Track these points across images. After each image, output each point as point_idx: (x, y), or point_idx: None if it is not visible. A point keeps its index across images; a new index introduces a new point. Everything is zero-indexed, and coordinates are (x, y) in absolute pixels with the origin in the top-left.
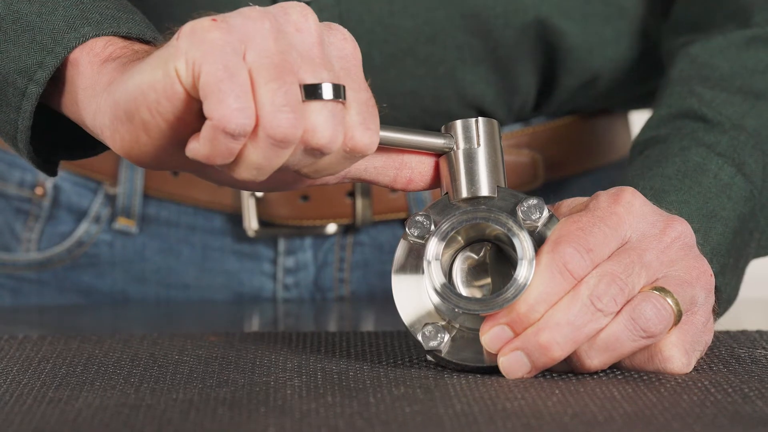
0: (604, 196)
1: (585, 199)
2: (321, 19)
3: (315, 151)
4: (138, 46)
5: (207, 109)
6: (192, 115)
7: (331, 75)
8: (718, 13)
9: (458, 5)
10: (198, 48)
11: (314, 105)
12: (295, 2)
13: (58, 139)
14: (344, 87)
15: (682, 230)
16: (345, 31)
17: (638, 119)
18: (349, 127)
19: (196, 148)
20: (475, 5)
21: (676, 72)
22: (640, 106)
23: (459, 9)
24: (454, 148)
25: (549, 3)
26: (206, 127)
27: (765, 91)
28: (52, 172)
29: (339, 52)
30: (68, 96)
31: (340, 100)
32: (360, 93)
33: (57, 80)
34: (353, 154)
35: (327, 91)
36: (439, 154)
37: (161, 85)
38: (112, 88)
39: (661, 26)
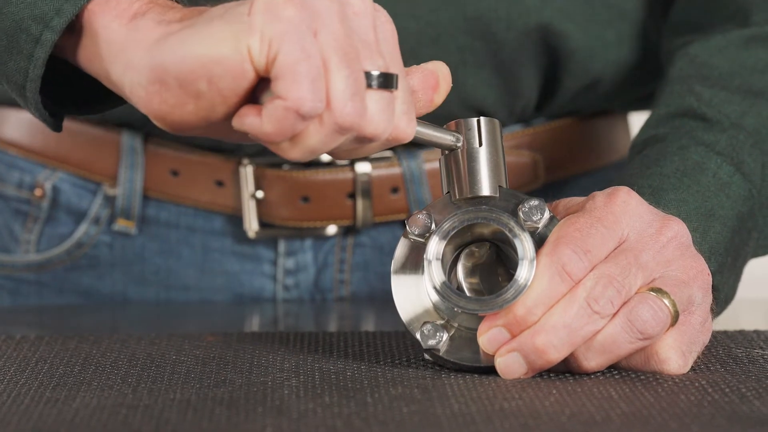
0: (600, 196)
1: (581, 199)
2: None
3: (365, 139)
4: (161, 0)
5: (281, 89)
6: (249, 90)
7: (384, 62)
8: (717, 14)
9: (461, 8)
10: (275, 26)
11: (372, 94)
12: None
13: (65, 94)
14: (397, 76)
15: (678, 230)
16: (385, 12)
17: (638, 120)
18: (395, 116)
19: (257, 124)
20: (478, 8)
21: (675, 71)
22: (641, 108)
23: (462, 11)
24: (459, 146)
25: (551, 6)
26: (275, 107)
27: (764, 90)
28: (57, 127)
29: (383, 35)
30: (87, 48)
31: (393, 89)
32: (403, 81)
33: (73, 30)
34: (392, 143)
35: (385, 81)
36: (445, 150)
37: (230, 62)
38: (158, 50)
39: (662, 28)
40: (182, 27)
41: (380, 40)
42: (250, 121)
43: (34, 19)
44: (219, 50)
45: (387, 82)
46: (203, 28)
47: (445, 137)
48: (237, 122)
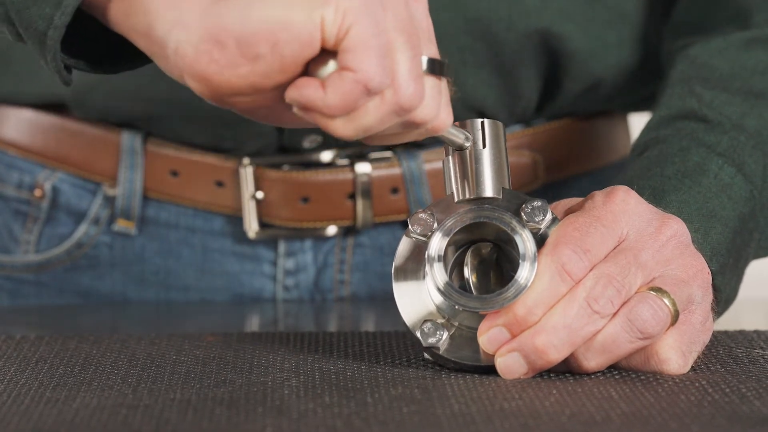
0: (599, 196)
1: (580, 199)
2: None
3: (413, 124)
4: None
5: (352, 62)
6: (308, 60)
7: (436, 49)
8: (717, 16)
9: (462, 8)
10: None
11: (427, 79)
12: None
13: (79, 48)
14: (446, 64)
15: (677, 228)
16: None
17: (637, 120)
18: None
19: (318, 96)
20: (478, 9)
21: (676, 73)
22: (641, 109)
23: (463, 12)
24: (468, 146)
25: (552, 8)
26: (344, 78)
27: (765, 92)
28: (68, 81)
29: (431, 24)
30: (124, 1)
31: (443, 77)
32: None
33: None
34: (430, 133)
35: (439, 68)
36: (454, 149)
37: (299, 29)
38: (218, 9)
39: (662, 30)
40: None
41: (431, 28)
42: (310, 92)
43: None
44: (290, 15)
45: (440, 68)
46: None
47: (458, 135)
48: (294, 93)
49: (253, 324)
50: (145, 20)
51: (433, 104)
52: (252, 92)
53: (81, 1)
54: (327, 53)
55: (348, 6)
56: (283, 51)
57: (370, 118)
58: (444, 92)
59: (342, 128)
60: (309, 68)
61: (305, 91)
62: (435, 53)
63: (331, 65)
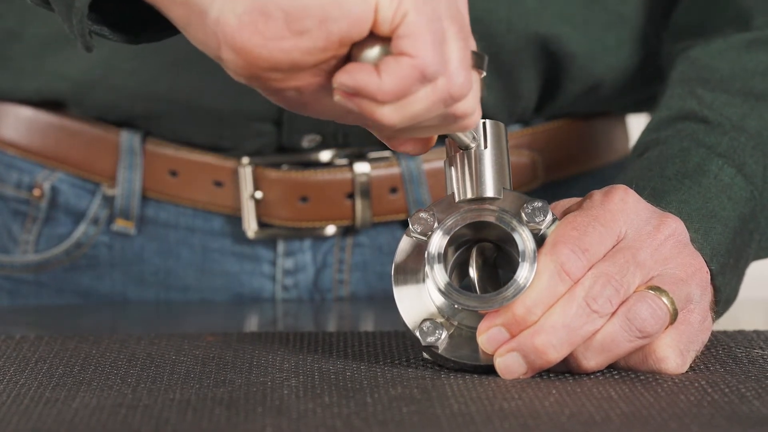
0: (597, 195)
1: (579, 199)
2: None
3: (451, 117)
4: None
5: (409, 47)
6: (355, 41)
7: (474, 43)
8: (718, 18)
9: None
10: None
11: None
12: None
13: (104, 17)
14: (487, 59)
15: (675, 227)
16: None
17: (636, 120)
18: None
19: (373, 80)
20: (478, 9)
21: (676, 74)
22: (640, 110)
23: None
24: (474, 146)
25: (550, 10)
26: (401, 63)
27: (765, 93)
28: (90, 47)
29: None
30: None
31: (483, 72)
32: None
33: None
34: (463, 128)
35: (481, 62)
36: (460, 149)
37: (351, 7)
38: None
39: (661, 33)
40: None
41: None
42: (364, 76)
43: None
44: None
45: (482, 63)
46: None
47: (467, 134)
48: (345, 77)
49: (253, 324)
50: None
51: (475, 99)
52: (290, 69)
53: None
54: (373, 38)
55: None
56: (330, 28)
57: (420, 105)
58: (479, 88)
59: (389, 115)
60: (352, 51)
61: (359, 75)
62: (475, 47)
63: (377, 50)
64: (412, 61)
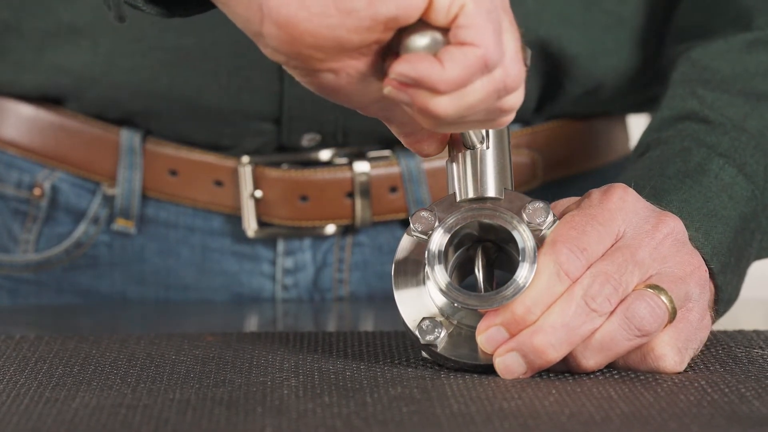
0: (596, 194)
1: (577, 198)
2: None
3: (497, 111)
4: None
5: (474, 37)
6: (402, 26)
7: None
8: (718, 19)
9: None
10: None
11: None
12: None
13: None
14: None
15: (674, 226)
16: None
17: (635, 120)
18: None
19: (436, 69)
20: None
21: (677, 75)
22: (640, 111)
23: None
24: (481, 147)
25: (550, 12)
26: (466, 54)
27: (766, 93)
28: (123, 17)
29: None
30: None
31: (528, 66)
32: None
33: None
34: (503, 123)
35: (529, 56)
36: (467, 148)
37: None
38: None
39: (661, 35)
40: None
41: None
42: (426, 66)
43: None
44: None
45: (527, 56)
46: None
47: (477, 134)
48: (405, 67)
49: (253, 324)
50: None
51: (522, 90)
52: (332, 47)
53: None
54: (423, 25)
55: None
56: (379, 9)
57: (477, 95)
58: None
59: (445, 106)
60: (399, 38)
61: (420, 65)
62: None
63: (428, 39)
64: (476, 50)
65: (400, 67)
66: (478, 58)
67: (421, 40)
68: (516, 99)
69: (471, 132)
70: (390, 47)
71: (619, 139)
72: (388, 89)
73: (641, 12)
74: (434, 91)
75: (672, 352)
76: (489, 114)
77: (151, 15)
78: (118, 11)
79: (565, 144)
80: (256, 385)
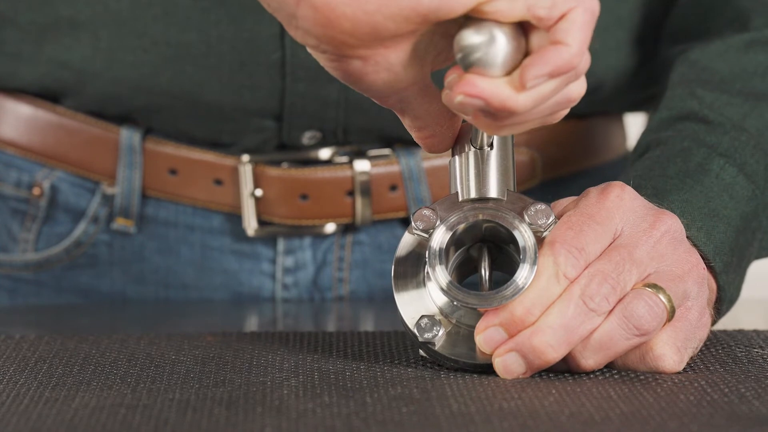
0: (593, 193)
1: (575, 198)
2: None
3: (564, 102)
4: None
5: (569, 38)
6: (440, 20)
7: None
8: (716, 19)
9: None
10: None
11: None
12: None
13: None
14: None
15: (671, 224)
16: None
17: (634, 119)
18: None
19: (538, 69)
20: None
21: (676, 76)
22: (638, 110)
23: None
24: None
25: None
26: (560, 53)
27: (765, 93)
28: None
29: None
30: None
31: None
32: None
33: None
34: (558, 117)
35: None
36: (475, 147)
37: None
38: None
39: (659, 34)
40: None
41: None
42: (538, 70)
43: None
44: None
45: None
46: None
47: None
48: (534, 73)
49: (253, 324)
50: None
51: (585, 82)
52: (366, 34)
53: None
54: (475, 20)
55: None
56: (420, 3)
57: (550, 86)
58: None
59: (524, 101)
60: (448, 29)
61: (535, 69)
62: None
63: (484, 35)
64: (570, 50)
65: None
66: (572, 57)
67: (476, 37)
68: (581, 87)
69: (484, 132)
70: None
71: (617, 138)
72: (460, 98)
73: (639, 11)
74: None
75: (671, 351)
76: (556, 106)
77: None
78: None
79: (563, 142)
80: (256, 385)
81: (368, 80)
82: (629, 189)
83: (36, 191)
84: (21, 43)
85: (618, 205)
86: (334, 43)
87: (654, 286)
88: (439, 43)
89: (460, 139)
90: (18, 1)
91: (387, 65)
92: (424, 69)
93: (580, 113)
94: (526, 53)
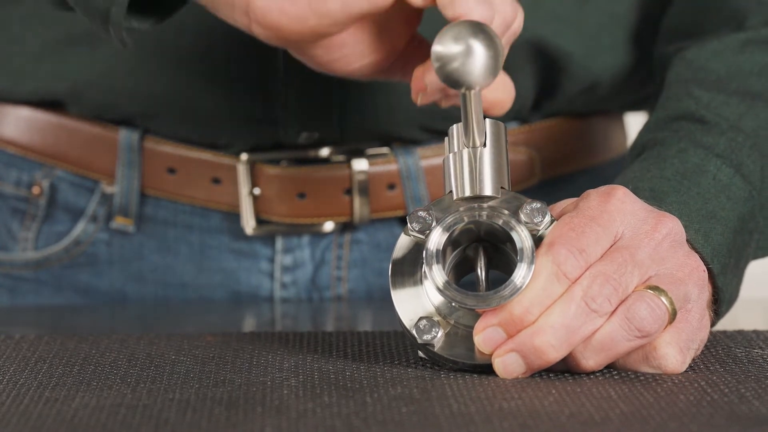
0: (594, 195)
1: (574, 199)
2: None
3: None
4: None
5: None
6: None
7: None
8: (712, 19)
9: None
10: None
11: None
12: None
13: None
14: None
15: (672, 226)
16: None
17: (633, 118)
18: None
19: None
20: None
21: (672, 75)
22: (636, 109)
23: None
24: (480, 146)
25: (543, 9)
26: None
27: (762, 93)
28: (126, 44)
29: None
30: None
31: None
32: None
33: None
34: (510, 41)
35: None
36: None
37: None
38: None
39: (655, 33)
40: None
41: None
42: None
43: None
44: None
45: None
46: None
47: (480, 133)
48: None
49: (252, 323)
50: None
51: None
52: (316, 37)
53: None
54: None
55: None
56: (352, 9)
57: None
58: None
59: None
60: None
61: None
62: None
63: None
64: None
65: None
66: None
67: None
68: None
69: (475, 131)
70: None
71: (616, 137)
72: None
73: (636, 10)
74: None
75: (674, 351)
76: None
77: (145, 30)
78: (122, 43)
79: (562, 142)
80: (256, 384)
81: (340, 64)
82: (629, 192)
83: (35, 190)
84: (24, 60)
85: (619, 207)
86: (293, 47)
87: (656, 288)
88: (398, 16)
89: (453, 137)
90: (30, 21)
91: (350, 50)
92: (394, 41)
93: (578, 112)
94: None
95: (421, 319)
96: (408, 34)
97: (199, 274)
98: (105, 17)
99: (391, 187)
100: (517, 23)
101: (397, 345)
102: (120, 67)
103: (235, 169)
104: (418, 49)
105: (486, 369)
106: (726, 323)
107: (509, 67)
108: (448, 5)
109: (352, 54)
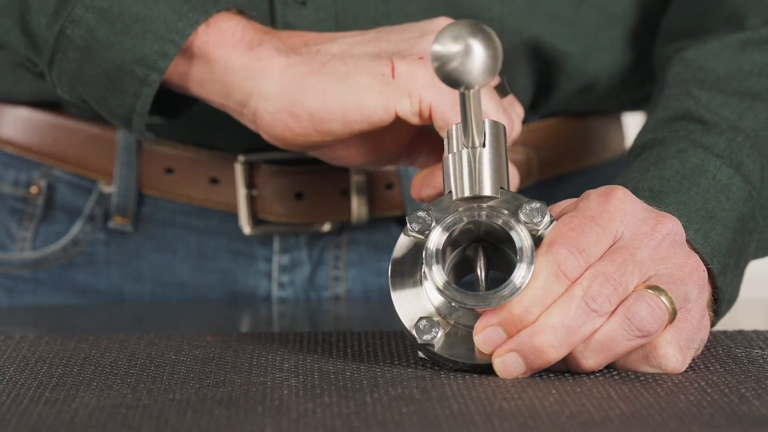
0: (593, 195)
1: (574, 200)
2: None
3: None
4: (254, 24)
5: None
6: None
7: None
8: (711, 19)
9: (453, 7)
10: (421, 88)
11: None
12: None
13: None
14: (506, 81)
15: (672, 227)
16: None
17: (631, 118)
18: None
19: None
20: (470, 8)
21: (671, 75)
22: (635, 109)
23: (454, 11)
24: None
25: (540, 9)
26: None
27: (761, 93)
28: (149, 137)
29: None
30: (199, 74)
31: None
32: None
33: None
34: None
35: (504, 89)
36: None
37: (371, 114)
38: (294, 86)
39: (654, 33)
40: (315, 70)
41: None
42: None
43: (137, 62)
44: (363, 101)
45: (504, 89)
46: (345, 80)
47: (480, 134)
48: None
49: (251, 323)
50: (222, 89)
51: (513, 118)
52: (320, 144)
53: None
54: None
55: (422, 91)
56: (352, 128)
57: None
58: (513, 102)
59: None
60: None
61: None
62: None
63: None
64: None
65: None
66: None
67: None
68: (517, 129)
69: (474, 131)
70: None
71: (614, 137)
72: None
73: (633, 10)
74: None
75: (674, 351)
76: None
77: (163, 124)
78: (139, 136)
79: (560, 142)
80: (256, 385)
81: (348, 160)
82: (629, 192)
83: (33, 190)
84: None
85: (619, 208)
86: (297, 150)
87: (656, 288)
88: (400, 122)
89: (452, 138)
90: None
91: (354, 152)
92: (398, 141)
93: (576, 112)
94: None
95: (421, 319)
96: (411, 132)
97: (196, 274)
98: (127, 122)
99: (389, 186)
100: (515, 134)
101: (397, 345)
102: None
103: (233, 169)
104: (425, 138)
105: (486, 369)
106: (726, 323)
107: (506, 66)
108: (444, 128)
109: (356, 154)
